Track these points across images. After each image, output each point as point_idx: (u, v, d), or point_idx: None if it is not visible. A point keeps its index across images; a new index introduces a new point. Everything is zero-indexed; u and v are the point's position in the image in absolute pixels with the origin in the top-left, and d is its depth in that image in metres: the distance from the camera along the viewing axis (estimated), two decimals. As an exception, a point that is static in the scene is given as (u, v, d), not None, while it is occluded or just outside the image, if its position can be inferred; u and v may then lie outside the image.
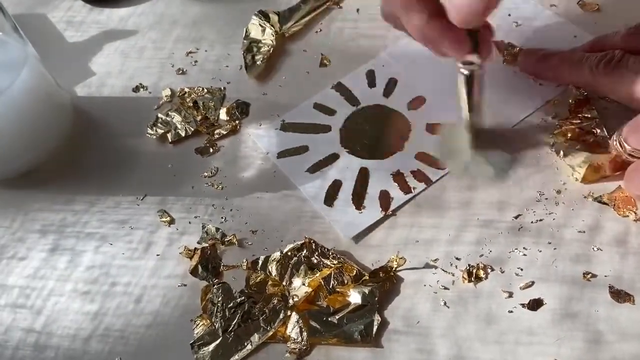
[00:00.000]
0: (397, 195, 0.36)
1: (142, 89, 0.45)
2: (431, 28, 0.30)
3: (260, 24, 0.46)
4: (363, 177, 0.37)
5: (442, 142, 0.38)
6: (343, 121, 0.40)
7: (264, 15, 0.47)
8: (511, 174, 0.36)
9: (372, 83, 0.42)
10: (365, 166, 0.38)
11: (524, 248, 0.33)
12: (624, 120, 0.35)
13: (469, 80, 0.32)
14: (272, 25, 0.46)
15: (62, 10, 0.52)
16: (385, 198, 0.36)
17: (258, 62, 0.45)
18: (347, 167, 0.38)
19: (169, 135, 0.41)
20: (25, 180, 0.41)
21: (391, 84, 0.42)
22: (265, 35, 0.46)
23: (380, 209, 0.35)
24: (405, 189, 0.36)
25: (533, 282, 0.31)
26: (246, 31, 0.46)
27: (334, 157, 0.39)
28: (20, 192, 0.41)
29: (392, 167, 0.37)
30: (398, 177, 0.37)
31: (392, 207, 0.35)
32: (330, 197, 0.37)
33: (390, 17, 0.34)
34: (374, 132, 0.40)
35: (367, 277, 0.33)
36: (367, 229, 0.35)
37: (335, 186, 0.37)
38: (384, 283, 0.32)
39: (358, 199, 0.36)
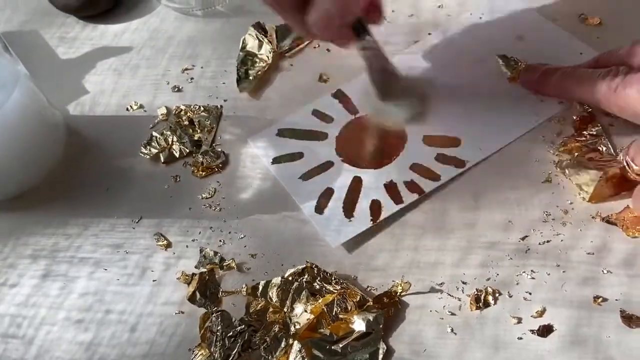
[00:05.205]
0: (388, 205, 0.35)
1: (137, 108, 0.44)
2: (308, 27, 0.32)
3: (257, 37, 0.45)
4: (356, 186, 0.37)
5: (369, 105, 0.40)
6: (340, 129, 0.40)
7: (262, 29, 0.46)
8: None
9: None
10: (359, 175, 0.37)
11: (531, 271, 0.32)
12: (630, 138, 0.34)
13: (369, 58, 0.36)
14: (269, 41, 0.45)
15: (55, 26, 0.51)
16: (376, 207, 0.35)
17: (251, 78, 0.44)
18: (341, 175, 0.38)
19: (161, 156, 0.40)
20: (16, 203, 0.40)
21: None
22: (262, 50, 0.45)
23: (371, 219, 0.35)
24: (397, 199, 0.36)
25: (545, 309, 0.30)
26: (243, 42, 0.46)
27: (328, 165, 0.38)
28: (11, 215, 0.39)
29: (385, 177, 0.37)
30: (391, 187, 0.36)
31: (382, 216, 0.35)
32: (321, 205, 0.36)
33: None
34: (370, 141, 0.39)
35: (371, 303, 0.32)
36: (372, 249, 0.34)
37: (327, 194, 0.37)
38: (389, 309, 0.31)
39: (349, 208, 0.36)
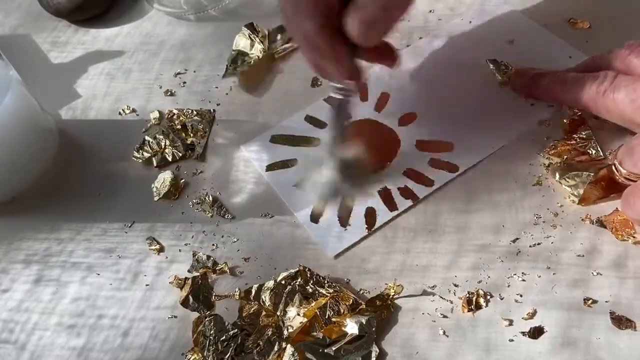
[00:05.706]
0: (383, 212, 0.35)
1: (129, 112, 0.44)
2: (321, 37, 0.30)
3: (249, 37, 0.46)
4: (350, 193, 0.37)
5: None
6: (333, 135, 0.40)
7: (254, 29, 0.46)
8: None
9: (364, 97, 0.42)
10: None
11: (522, 273, 0.32)
12: (619, 141, 0.35)
13: (340, 107, 0.34)
14: (261, 41, 0.45)
15: (47, 30, 0.51)
16: (370, 215, 0.36)
17: (239, 69, 0.44)
18: (335, 182, 0.37)
19: (154, 160, 0.40)
20: (8, 208, 0.40)
21: (383, 99, 0.41)
22: (253, 50, 0.45)
23: (366, 227, 0.35)
24: (391, 206, 0.36)
25: (535, 311, 0.31)
26: (235, 41, 0.46)
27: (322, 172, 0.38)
28: (3, 220, 0.39)
29: (379, 184, 0.37)
30: (385, 193, 0.36)
31: (378, 224, 0.35)
32: (317, 213, 0.36)
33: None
34: (363, 146, 0.39)
35: (364, 306, 0.32)
36: (364, 252, 0.34)
37: (322, 202, 0.37)
38: (381, 312, 0.32)
39: (344, 216, 0.36)
